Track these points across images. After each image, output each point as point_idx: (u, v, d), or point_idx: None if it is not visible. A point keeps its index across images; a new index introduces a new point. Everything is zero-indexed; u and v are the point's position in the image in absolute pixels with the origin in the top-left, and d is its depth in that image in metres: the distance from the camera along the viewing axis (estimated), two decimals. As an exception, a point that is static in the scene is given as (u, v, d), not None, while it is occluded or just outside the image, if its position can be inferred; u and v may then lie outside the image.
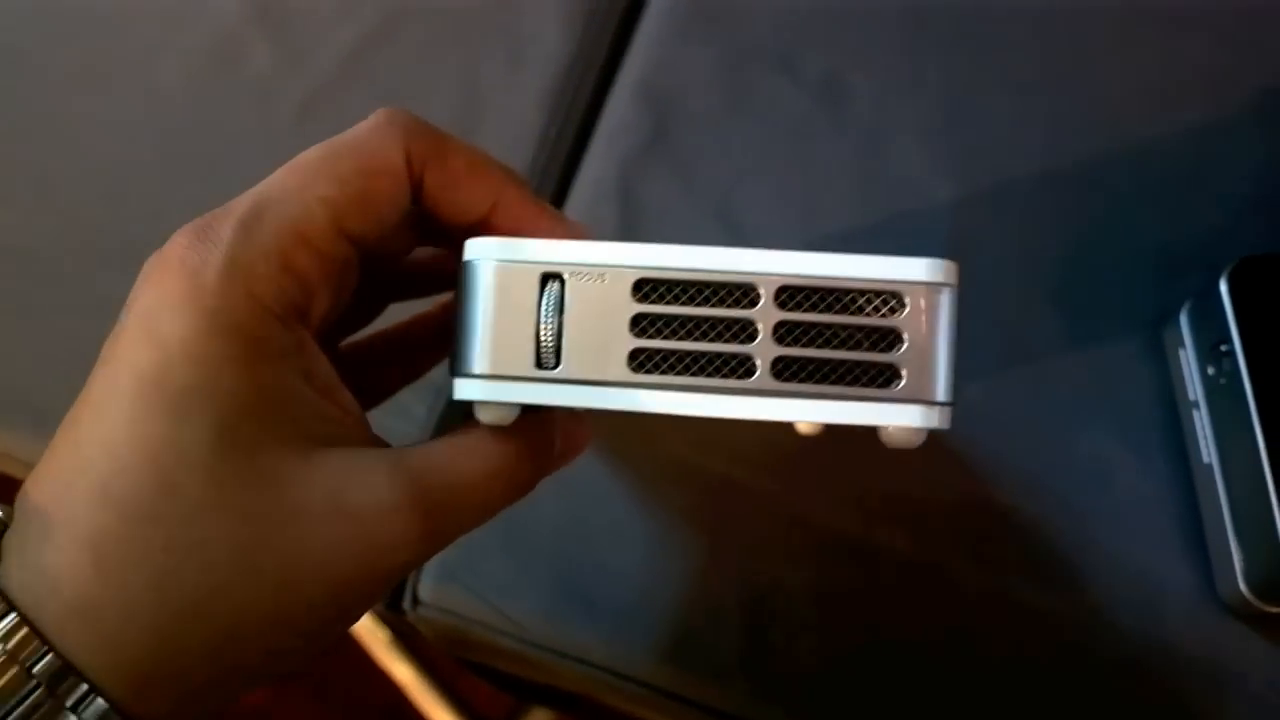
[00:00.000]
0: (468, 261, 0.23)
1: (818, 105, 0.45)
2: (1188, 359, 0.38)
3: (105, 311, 0.24)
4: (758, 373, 0.22)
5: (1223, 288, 0.36)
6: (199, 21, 0.49)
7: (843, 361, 0.22)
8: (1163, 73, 0.45)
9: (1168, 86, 0.44)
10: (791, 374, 0.22)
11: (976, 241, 0.43)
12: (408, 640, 0.74)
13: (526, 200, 0.26)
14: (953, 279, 0.23)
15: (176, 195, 0.47)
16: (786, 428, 0.40)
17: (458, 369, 0.23)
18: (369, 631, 0.72)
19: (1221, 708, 0.36)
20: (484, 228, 0.25)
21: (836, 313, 0.22)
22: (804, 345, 0.22)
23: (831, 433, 0.40)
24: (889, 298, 0.22)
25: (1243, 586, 0.35)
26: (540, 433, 0.26)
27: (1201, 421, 0.38)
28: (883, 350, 0.22)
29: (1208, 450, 0.37)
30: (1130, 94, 0.44)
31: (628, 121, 0.46)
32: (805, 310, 0.22)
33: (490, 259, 0.23)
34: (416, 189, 0.25)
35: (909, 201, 0.44)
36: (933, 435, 0.40)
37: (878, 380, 0.22)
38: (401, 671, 0.74)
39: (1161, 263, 0.41)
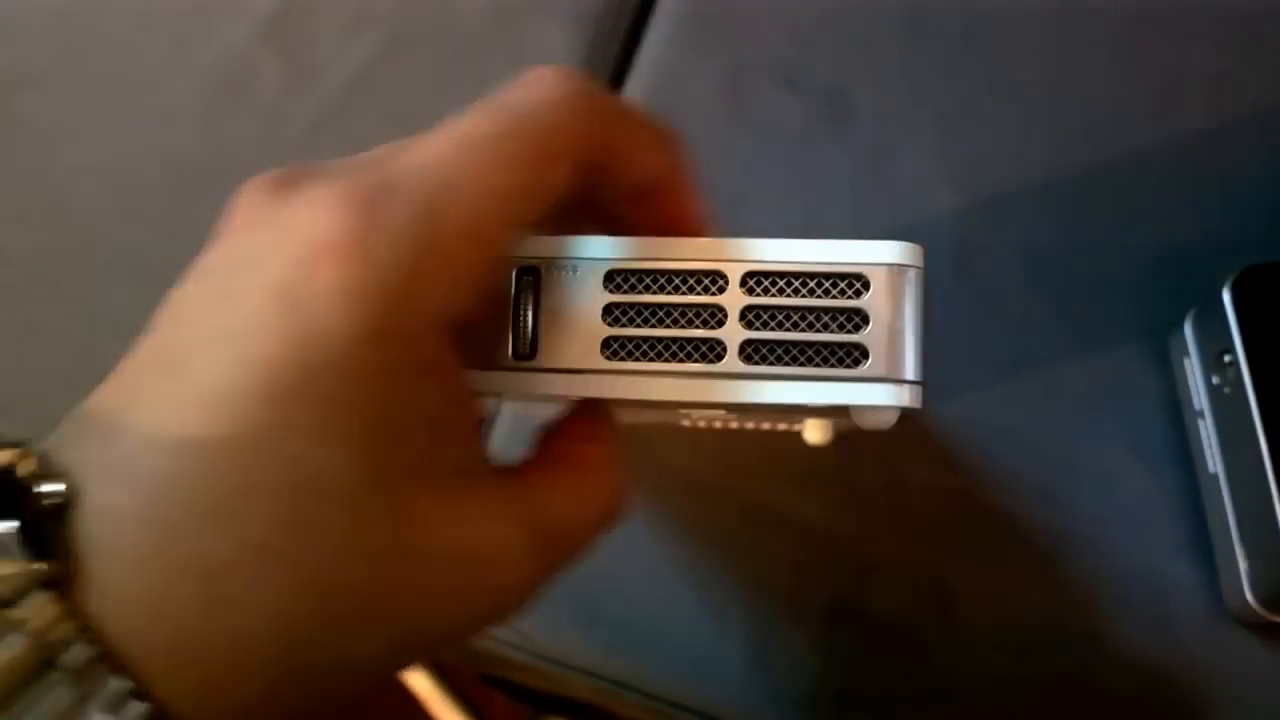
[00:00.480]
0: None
1: (821, 118, 0.45)
2: (1192, 368, 0.38)
3: (116, 329, 0.23)
4: (726, 357, 0.23)
5: (1225, 297, 0.36)
6: (210, 41, 0.50)
7: (810, 343, 0.23)
8: (1165, 81, 0.45)
9: (1170, 95, 0.45)
10: (760, 357, 0.23)
11: (980, 251, 0.43)
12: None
13: (687, 198, 0.24)
14: (917, 261, 0.23)
15: (188, 213, 0.47)
16: (794, 440, 0.40)
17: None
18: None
19: (1227, 717, 0.36)
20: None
21: (803, 296, 0.23)
22: (771, 329, 0.23)
23: (836, 444, 0.40)
24: (854, 280, 0.23)
25: (1249, 596, 0.35)
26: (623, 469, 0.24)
27: (1207, 431, 0.38)
28: (849, 331, 0.23)
29: (1213, 459, 0.37)
30: (1133, 103, 0.45)
31: (632, 137, 0.46)
32: (772, 295, 0.23)
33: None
34: (585, 170, 0.22)
35: (912, 212, 0.44)
36: (940, 447, 0.40)
37: (846, 361, 0.23)
38: (418, 682, 0.74)
39: (1166, 271, 0.41)
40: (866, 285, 0.23)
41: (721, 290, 0.23)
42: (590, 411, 0.25)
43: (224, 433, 0.18)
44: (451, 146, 0.20)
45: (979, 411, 0.40)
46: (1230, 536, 0.36)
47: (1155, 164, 0.43)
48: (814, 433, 0.36)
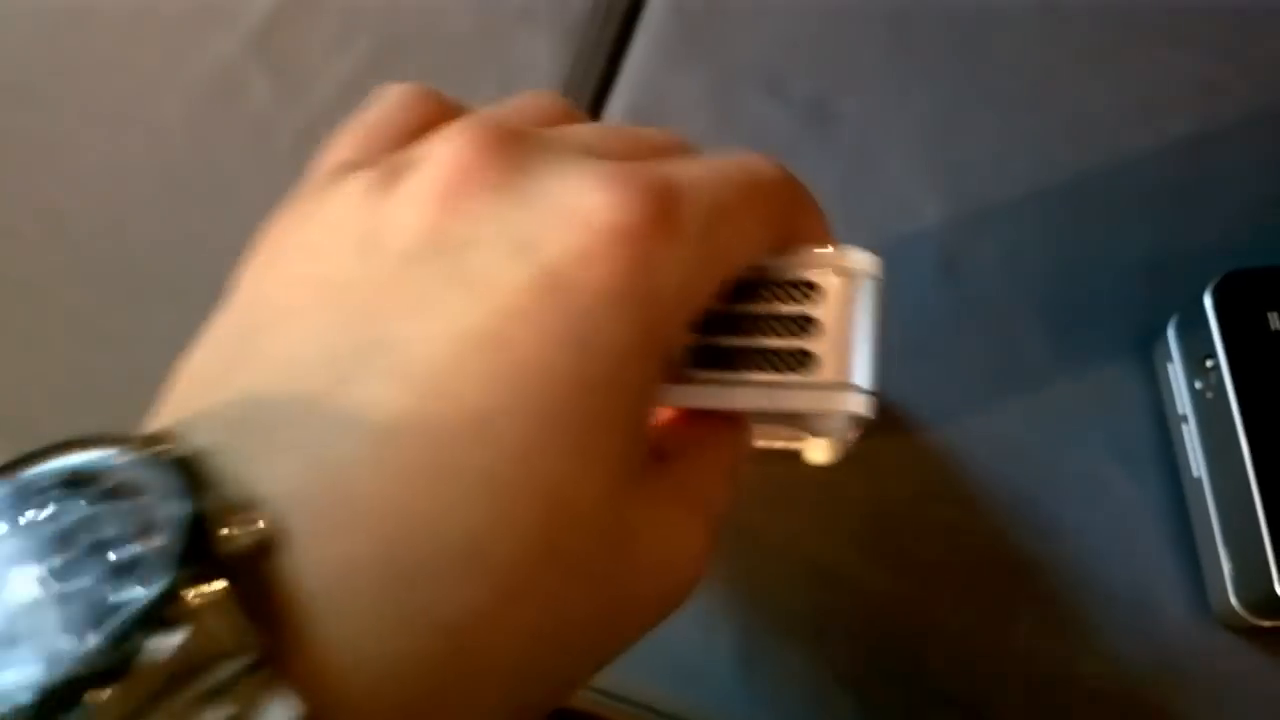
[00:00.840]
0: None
1: (806, 127, 0.46)
2: (1176, 373, 0.39)
3: (107, 342, 0.23)
4: (677, 362, 0.23)
5: (1207, 302, 0.36)
6: (199, 56, 0.50)
7: (760, 350, 0.23)
8: (1151, 87, 0.45)
9: (1156, 100, 0.45)
10: (711, 363, 0.23)
11: (965, 258, 0.43)
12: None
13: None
14: (873, 270, 0.23)
15: (178, 226, 0.47)
16: (789, 458, 0.40)
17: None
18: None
19: (1213, 722, 0.36)
20: None
21: (753, 302, 0.23)
22: (723, 335, 0.23)
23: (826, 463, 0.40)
24: (805, 287, 0.23)
25: (1233, 600, 0.35)
26: None
27: (1190, 436, 0.38)
28: (799, 337, 0.23)
29: (1197, 464, 0.37)
30: (1118, 108, 0.45)
31: (619, 147, 0.46)
32: (724, 301, 0.23)
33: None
34: None
35: (898, 220, 0.44)
36: (924, 455, 0.40)
37: (797, 367, 0.23)
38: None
39: (1151, 277, 0.42)
40: (820, 292, 0.23)
41: None
42: None
43: (480, 460, 0.15)
44: (716, 175, 0.19)
45: (961, 417, 0.40)
46: (1214, 540, 0.36)
47: (1140, 170, 0.43)
48: (816, 452, 0.35)
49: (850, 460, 0.40)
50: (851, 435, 0.25)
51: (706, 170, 0.19)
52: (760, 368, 0.23)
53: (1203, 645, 0.37)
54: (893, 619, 0.38)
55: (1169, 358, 0.39)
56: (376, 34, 0.50)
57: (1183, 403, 0.38)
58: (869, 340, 0.23)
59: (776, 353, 0.23)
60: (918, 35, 0.47)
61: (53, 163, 0.50)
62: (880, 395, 0.23)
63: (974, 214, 0.44)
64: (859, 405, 0.23)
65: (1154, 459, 0.39)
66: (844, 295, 0.23)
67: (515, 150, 0.17)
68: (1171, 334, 0.39)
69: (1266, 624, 0.35)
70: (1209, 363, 0.36)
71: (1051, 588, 0.38)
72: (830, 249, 0.23)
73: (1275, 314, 0.36)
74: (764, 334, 0.23)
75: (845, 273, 0.23)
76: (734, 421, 0.23)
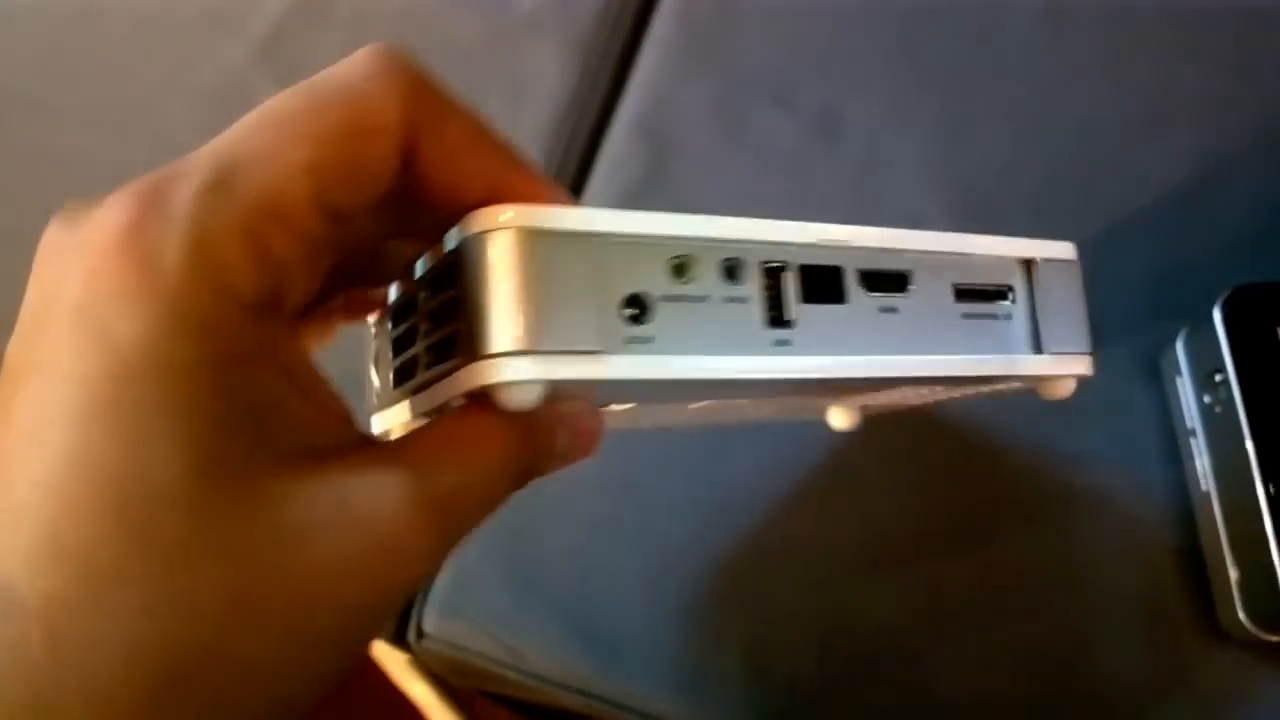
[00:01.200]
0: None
1: (814, 138, 0.46)
2: (1184, 386, 0.38)
3: None
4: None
5: (1216, 317, 0.36)
6: (207, 63, 0.50)
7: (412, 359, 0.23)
8: (1160, 101, 0.45)
9: (1164, 114, 0.45)
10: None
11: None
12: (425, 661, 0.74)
13: (535, 182, 0.22)
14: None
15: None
16: (786, 453, 0.40)
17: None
18: (387, 652, 0.72)
19: (1221, 738, 0.36)
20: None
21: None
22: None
23: (834, 464, 0.40)
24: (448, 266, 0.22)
25: (1242, 615, 0.35)
26: (540, 425, 0.23)
27: (1199, 450, 0.38)
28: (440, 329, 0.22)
29: (1205, 478, 0.37)
30: (1127, 122, 0.45)
31: (626, 156, 0.47)
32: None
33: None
34: (408, 157, 0.20)
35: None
36: (935, 467, 0.40)
37: (440, 360, 0.22)
38: (419, 692, 0.74)
39: (1158, 290, 0.41)
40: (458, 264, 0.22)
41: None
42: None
43: (45, 461, 0.17)
44: (253, 122, 0.19)
45: (971, 429, 0.40)
46: (1223, 554, 0.36)
47: (1148, 182, 0.43)
48: (839, 418, 0.36)
49: (853, 473, 0.40)
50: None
51: (237, 129, 0.19)
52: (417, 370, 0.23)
53: (1209, 658, 0.37)
54: (899, 627, 0.38)
55: (1177, 371, 0.39)
56: (384, 40, 0.50)
57: (1191, 416, 0.38)
58: (511, 299, 0.21)
59: (429, 348, 0.22)
60: (926, 46, 0.47)
61: (60, 169, 0.50)
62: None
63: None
64: (492, 375, 0.21)
65: (1162, 472, 0.39)
66: (477, 260, 0.21)
67: (79, 208, 0.19)
68: (1180, 347, 0.39)
69: (1273, 638, 0.35)
70: (1218, 376, 0.36)
71: (1059, 598, 0.38)
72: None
73: (1284, 328, 0.36)
74: (424, 334, 0.23)
75: (482, 234, 0.21)
76: (506, 423, 0.22)
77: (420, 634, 0.41)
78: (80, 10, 0.52)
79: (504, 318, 0.20)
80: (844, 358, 0.23)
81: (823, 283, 0.23)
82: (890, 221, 0.44)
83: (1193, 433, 0.38)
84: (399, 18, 0.51)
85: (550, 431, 0.23)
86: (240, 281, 0.18)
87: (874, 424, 0.40)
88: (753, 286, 0.23)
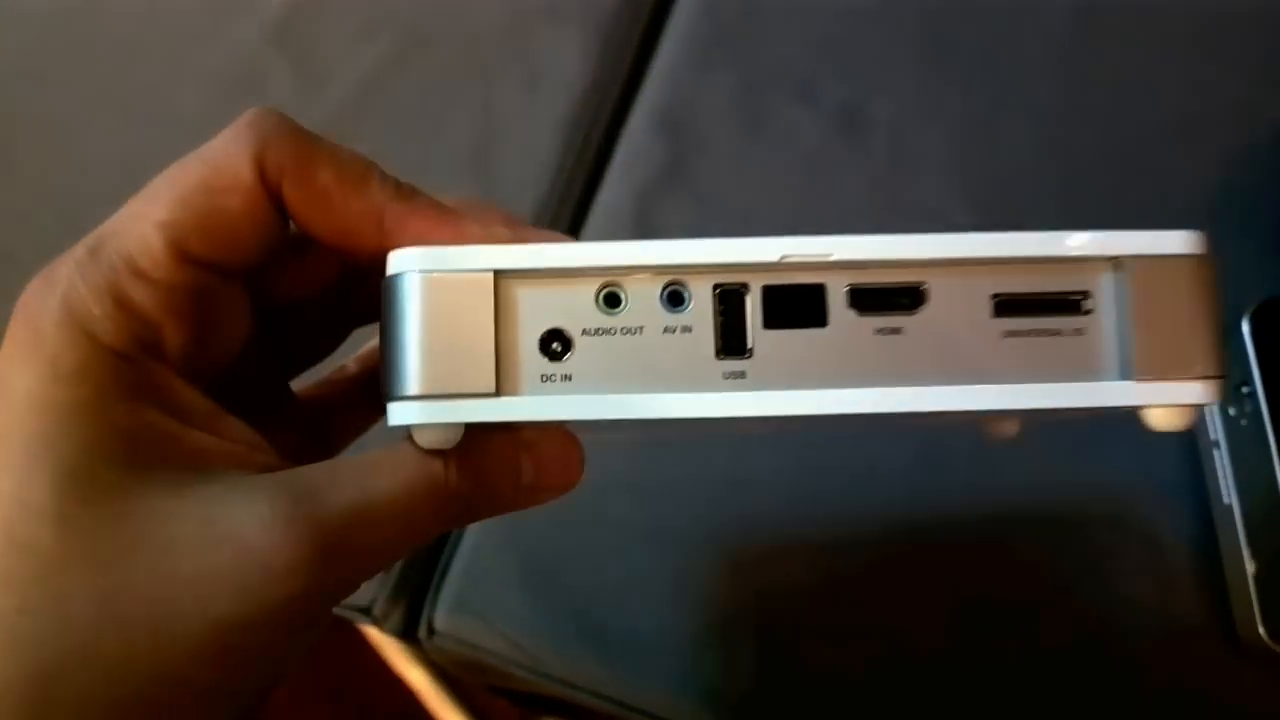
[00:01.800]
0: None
1: (837, 134, 0.45)
2: (1208, 398, 0.38)
3: None
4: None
5: (1245, 329, 0.36)
6: (219, 45, 0.49)
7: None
8: (1186, 105, 0.44)
9: (1192, 119, 0.44)
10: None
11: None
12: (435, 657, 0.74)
13: (423, 214, 0.22)
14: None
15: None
16: (804, 457, 0.40)
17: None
18: (387, 639, 0.72)
19: (1240, 754, 0.36)
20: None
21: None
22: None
23: (853, 467, 0.40)
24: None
25: (1261, 629, 0.35)
26: (495, 455, 0.23)
27: (1222, 462, 0.37)
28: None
29: (1228, 491, 0.37)
30: (1153, 125, 0.44)
31: (644, 149, 0.46)
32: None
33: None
34: (280, 206, 0.22)
35: (928, 230, 0.43)
36: (955, 473, 0.39)
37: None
38: (416, 676, 0.74)
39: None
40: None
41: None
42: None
43: None
44: (134, 199, 0.22)
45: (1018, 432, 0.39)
46: (1244, 569, 0.36)
47: (1175, 189, 0.43)
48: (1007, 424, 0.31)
49: (871, 477, 0.40)
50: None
51: (128, 202, 0.22)
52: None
53: (1227, 672, 0.37)
54: (916, 631, 0.38)
55: (1201, 381, 0.38)
56: (400, 27, 0.49)
57: (1215, 428, 0.38)
58: (409, 343, 0.21)
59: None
60: (951, 45, 0.46)
61: (69, 150, 0.49)
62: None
63: (1004, 227, 0.43)
64: (394, 417, 0.21)
65: (1184, 484, 0.39)
66: (384, 304, 0.21)
67: (34, 285, 0.22)
68: (1205, 358, 0.38)
69: (1294, 654, 0.35)
70: (1244, 389, 0.36)
71: (1079, 609, 0.38)
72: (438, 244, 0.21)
73: (1314, 343, 0.35)
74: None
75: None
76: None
77: (431, 631, 0.41)
78: (89, -13, 0.51)
79: (402, 361, 0.21)
80: (814, 392, 0.21)
81: (795, 305, 0.21)
82: (911, 219, 0.43)
83: (1216, 444, 0.38)
84: (413, 2, 0.50)
85: (506, 463, 0.23)
86: (106, 331, 0.21)
87: (889, 430, 0.40)
88: (699, 313, 0.21)
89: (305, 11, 0.50)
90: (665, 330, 0.21)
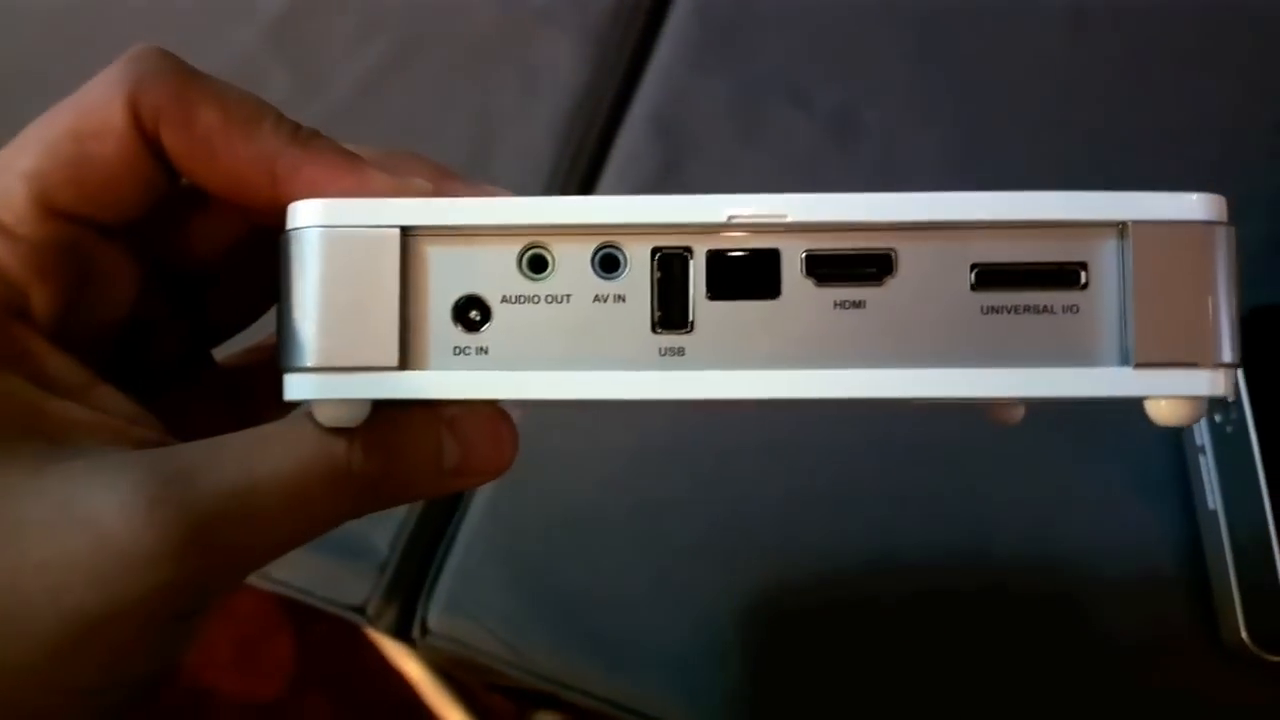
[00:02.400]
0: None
1: (830, 138, 0.45)
2: (1195, 404, 0.38)
3: None
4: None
5: (1230, 336, 0.36)
6: (218, 47, 0.50)
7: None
8: (1179, 113, 0.45)
9: (1184, 127, 0.44)
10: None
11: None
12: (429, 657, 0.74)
13: (321, 161, 0.20)
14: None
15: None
16: (792, 461, 0.40)
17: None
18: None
19: (1221, 757, 0.36)
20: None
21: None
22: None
23: (842, 470, 0.40)
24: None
25: (1245, 635, 0.35)
26: (411, 433, 0.20)
27: (1208, 467, 0.38)
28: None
29: (1213, 496, 0.37)
30: (1145, 132, 0.44)
31: (640, 152, 0.46)
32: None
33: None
34: (159, 151, 0.19)
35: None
36: (943, 475, 0.40)
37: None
38: (415, 670, 0.74)
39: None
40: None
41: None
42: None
43: None
44: (6, 146, 0.20)
45: (978, 440, 0.40)
46: (1228, 573, 0.36)
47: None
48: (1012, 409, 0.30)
49: (860, 480, 0.40)
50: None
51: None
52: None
53: (1211, 676, 0.37)
54: (904, 634, 0.38)
55: (1188, 387, 0.39)
56: (397, 30, 0.49)
57: (1201, 434, 0.38)
58: (303, 308, 0.19)
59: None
60: (944, 50, 0.46)
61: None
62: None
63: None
64: (286, 391, 0.19)
65: (1170, 489, 0.39)
66: (280, 264, 0.19)
67: None
68: (1192, 364, 0.38)
69: (1275, 658, 0.35)
70: (1230, 396, 0.36)
71: (1064, 612, 0.38)
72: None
73: (1299, 351, 0.36)
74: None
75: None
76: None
77: (424, 631, 0.41)
78: (88, -12, 0.52)
79: (297, 330, 0.18)
80: (762, 373, 0.18)
81: (744, 273, 0.18)
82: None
83: (1202, 450, 0.38)
84: (411, 5, 0.50)
85: (424, 443, 0.20)
86: None
87: (879, 432, 0.40)
88: (635, 281, 0.18)
89: (303, 14, 0.50)
90: (596, 299, 0.19)
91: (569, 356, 0.18)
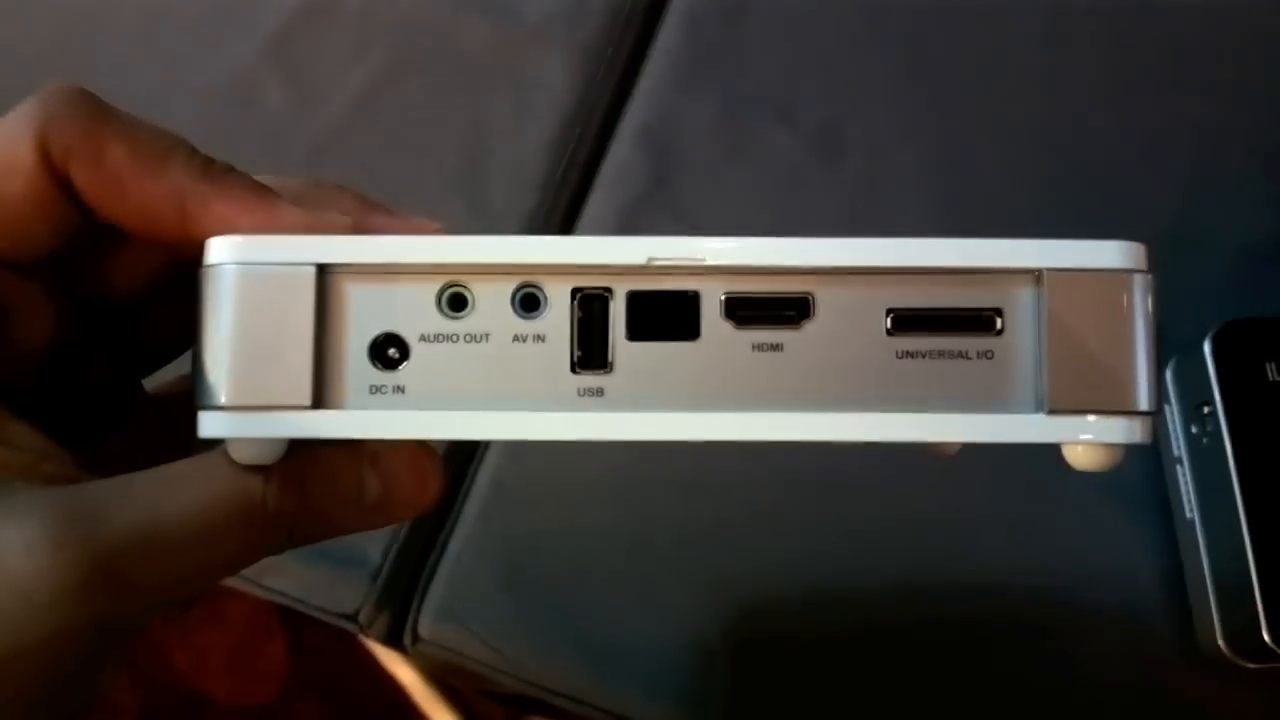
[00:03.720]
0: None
1: (814, 155, 0.46)
2: (1172, 416, 0.39)
3: None
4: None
5: (1206, 350, 0.37)
6: (216, 62, 0.50)
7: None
8: (1157, 129, 0.46)
9: (1160, 142, 0.45)
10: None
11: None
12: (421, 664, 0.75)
13: (231, 197, 0.19)
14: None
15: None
16: (771, 471, 0.40)
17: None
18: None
19: (1197, 763, 0.37)
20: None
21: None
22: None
23: (827, 479, 0.41)
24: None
25: (1221, 642, 0.36)
26: (330, 470, 0.20)
27: (1185, 478, 0.38)
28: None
29: (1190, 506, 0.38)
30: (1124, 149, 0.45)
31: (629, 168, 0.47)
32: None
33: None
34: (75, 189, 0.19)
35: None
36: (924, 485, 0.40)
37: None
38: (406, 676, 0.75)
39: (1151, 317, 0.42)
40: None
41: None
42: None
43: None
44: None
45: (959, 452, 0.40)
46: (1205, 582, 0.37)
47: (1142, 212, 0.44)
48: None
49: (846, 487, 0.41)
50: None
51: None
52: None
53: (1188, 683, 0.38)
54: (888, 641, 0.39)
55: (1166, 400, 0.39)
56: (392, 46, 0.50)
57: (1178, 446, 0.39)
58: (215, 345, 0.18)
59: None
60: (927, 69, 0.47)
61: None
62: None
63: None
64: (201, 428, 0.19)
65: (1148, 499, 0.40)
66: (197, 300, 0.19)
67: None
68: (1170, 378, 0.39)
69: (1252, 666, 0.36)
70: (1206, 409, 0.37)
71: (1042, 620, 0.39)
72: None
73: (1273, 364, 0.36)
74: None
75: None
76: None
77: (416, 638, 0.41)
78: (87, 4, 0.52)
79: (211, 367, 0.18)
80: (680, 414, 0.18)
81: (664, 314, 0.19)
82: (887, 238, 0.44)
83: (1179, 461, 0.39)
84: (406, 21, 0.51)
85: (344, 480, 0.20)
86: None
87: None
88: (555, 321, 0.19)
89: (300, 30, 0.51)
90: (515, 339, 0.19)
91: (487, 396, 0.18)
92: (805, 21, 0.48)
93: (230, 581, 0.39)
